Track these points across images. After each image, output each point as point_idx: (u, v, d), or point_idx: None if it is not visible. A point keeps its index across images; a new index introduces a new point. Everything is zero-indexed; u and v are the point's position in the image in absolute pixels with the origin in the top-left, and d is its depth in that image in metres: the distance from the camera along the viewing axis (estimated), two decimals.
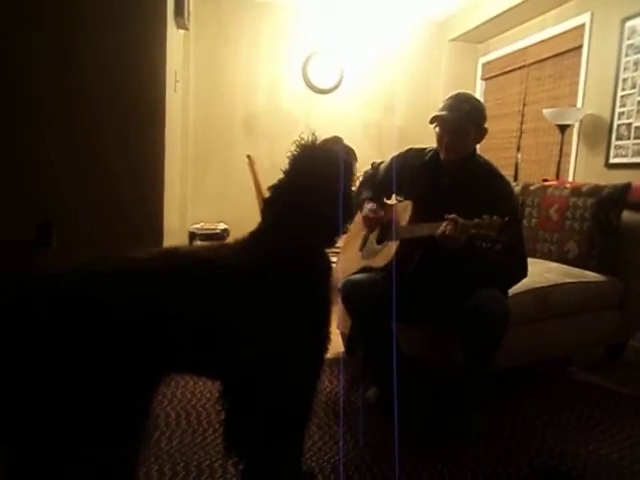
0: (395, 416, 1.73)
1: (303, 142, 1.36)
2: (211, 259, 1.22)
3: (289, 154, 1.37)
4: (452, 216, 1.71)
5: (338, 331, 2.59)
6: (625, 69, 3.39)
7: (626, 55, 3.39)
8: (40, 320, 0.95)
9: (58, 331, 0.95)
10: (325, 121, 5.06)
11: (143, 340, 1.04)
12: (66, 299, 0.98)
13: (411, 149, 2.19)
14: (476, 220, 1.68)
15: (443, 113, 1.94)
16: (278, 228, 1.33)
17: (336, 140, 1.39)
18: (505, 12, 4.35)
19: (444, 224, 1.73)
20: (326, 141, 1.38)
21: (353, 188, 1.45)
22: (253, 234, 1.36)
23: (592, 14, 3.72)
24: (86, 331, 0.97)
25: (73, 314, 0.96)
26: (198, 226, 4.83)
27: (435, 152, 2.06)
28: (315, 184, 1.31)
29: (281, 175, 1.39)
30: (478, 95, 5.24)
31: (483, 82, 5.31)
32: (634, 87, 3.30)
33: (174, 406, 2.00)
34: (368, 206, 2.10)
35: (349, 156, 1.41)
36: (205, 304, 1.14)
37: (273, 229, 1.34)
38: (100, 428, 1.00)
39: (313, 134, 1.36)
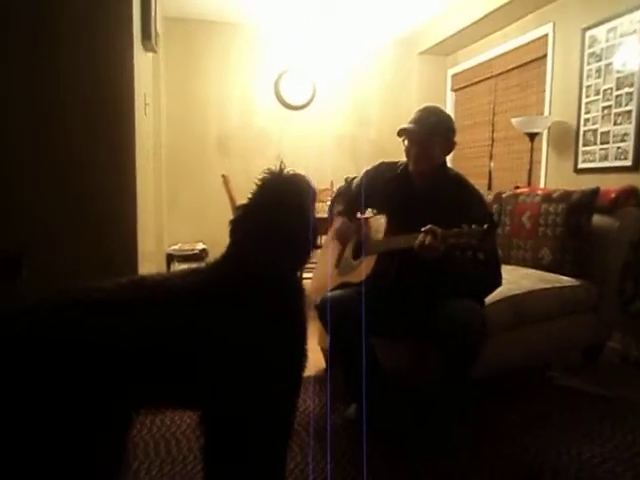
0: (364, 432, 1.73)
1: (271, 169, 1.38)
2: (180, 288, 1.20)
3: (257, 179, 1.38)
4: (429, 227, 1.71)
5: (319, 348, 2.58)
6: (588, 77, 3.48)
7: (588, 63, 3.48)
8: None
9: (14, 372, 0.92)
10: (299, 137, 5.10)
11: (109, 378, 1.01)
12: (26, 338, 0.95)
13: (382, 163, 2.21)
14: (455, 230, 1.68)
15: (410, 126, 1.97)
16: (248, 251, 1.31)
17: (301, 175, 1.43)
18: (469, 26, 4.46)
19: (421, 235, 1.73)
20: (292, 174, 1.41)
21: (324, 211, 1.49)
22: (224, 258, 1.34)
23: (554, 25, 3.83)
24: (46, 371, 0.94)
25: (32, 353, 0.94)
26: (176, 247, 4.79)
27: (406, 165, 2.08)
28: (283, 207, 1.32)
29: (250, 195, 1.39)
30: (449, 106, 5.33)
31: (453, 93, 5.39)
32: (598, 94, 3.39)
33: (153, 434, 1.96)
34: (340, 220, 2.11)
35: (312, 185, 1.44)
36: (176, 336, 1.12)
37: (243, 252, 1.33)
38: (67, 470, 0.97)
39: (281, 162, 1.38)
